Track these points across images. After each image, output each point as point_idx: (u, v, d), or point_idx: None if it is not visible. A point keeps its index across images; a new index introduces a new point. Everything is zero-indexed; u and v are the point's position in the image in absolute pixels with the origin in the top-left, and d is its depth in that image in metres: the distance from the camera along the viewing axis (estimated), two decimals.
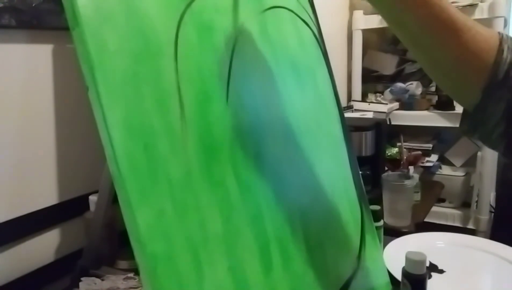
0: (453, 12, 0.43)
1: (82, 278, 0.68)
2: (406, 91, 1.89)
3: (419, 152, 1.81)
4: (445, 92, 0.52)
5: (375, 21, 1.87)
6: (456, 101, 0.50)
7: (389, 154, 1.57)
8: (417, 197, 1.33)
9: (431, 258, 0.79)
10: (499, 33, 0.46)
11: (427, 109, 1.88)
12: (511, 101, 0.44)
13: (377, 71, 2.07)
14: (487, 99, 0.45)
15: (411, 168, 1.47)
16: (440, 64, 0.47)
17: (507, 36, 0.46)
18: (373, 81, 2.07)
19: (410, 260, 0.58)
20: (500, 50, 0.44)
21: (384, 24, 0.49)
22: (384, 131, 1.30)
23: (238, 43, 0.49)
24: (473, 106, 0.46)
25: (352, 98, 2.00)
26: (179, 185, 0.38)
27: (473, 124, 0.48)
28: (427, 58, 0.48)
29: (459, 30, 0.43)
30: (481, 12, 1.68)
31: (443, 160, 2.00)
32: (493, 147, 0.50)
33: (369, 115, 1.69)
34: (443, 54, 0.45)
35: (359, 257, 0.62)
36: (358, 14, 1.94)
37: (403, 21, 0.45)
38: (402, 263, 0.60)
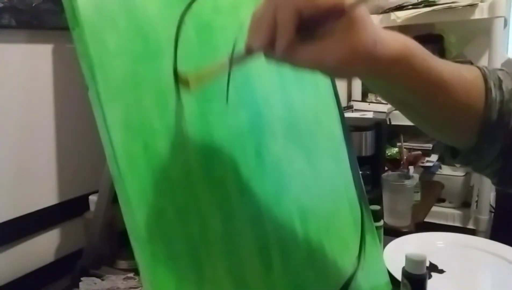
0: (439, 68, 0.40)
1: (82, 278, 0.68)
2: None
3: (419, 152, 1.81)
4: (438, 140, 0.50)
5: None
6: (452, 145, 0.49)
7: (389, 154, 1.57)
8: (417, 197, 1.32)
9: (431, 258, 0.79)
10: (479, 68, 0.45)
11: None
12: (507, 139, 0.44)
13: None
14: (483, 141, 0.44)
15: (411, 168, 1.47)
16: (432, 120, 0.45)
17: (487, 70, 0.45)
18: None
19: (410, 260, 0.58)
20: (488, 90, 0.43)
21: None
22: (384, 131, 1.30)
23: (238, 43, 0.49)
24: (469, 149, 0.46)
25: (352, 98, 2.00)
26: (179, 185, 0.38)
27: (467, 160, 0.48)
28: (418, 116, 0.46)
29: (449, 86, 0.41)
30: (481, 12, 1.67)
31: (443, 160, 2.00)
32: (486, 176, 0.50)
33: (369, 115, 1.69)
34: (435, 112, 0.43)
35: (359, 257, 0.62)
36: None
37: (391, 91, 0.42)
38: (402, 263, 0.60)
